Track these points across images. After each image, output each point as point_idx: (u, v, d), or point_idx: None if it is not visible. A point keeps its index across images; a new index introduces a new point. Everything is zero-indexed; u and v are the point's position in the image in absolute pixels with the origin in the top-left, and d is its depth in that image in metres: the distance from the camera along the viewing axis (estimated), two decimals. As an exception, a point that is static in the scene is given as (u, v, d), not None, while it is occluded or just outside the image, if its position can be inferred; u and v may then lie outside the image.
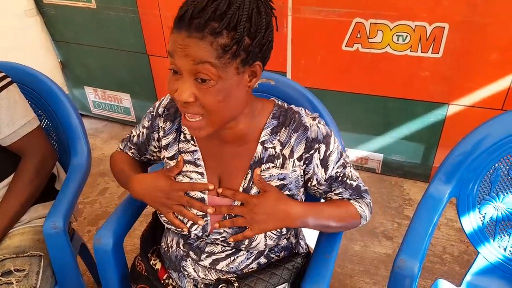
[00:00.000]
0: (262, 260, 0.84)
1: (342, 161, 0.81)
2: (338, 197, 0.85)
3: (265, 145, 0.78)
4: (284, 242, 0.87)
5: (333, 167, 0.79)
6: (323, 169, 0.78)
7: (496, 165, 0.94)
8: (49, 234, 0.96)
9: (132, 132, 0.94)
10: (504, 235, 0.97)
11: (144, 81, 2.36)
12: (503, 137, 0.92)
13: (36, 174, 1.03)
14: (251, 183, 0.78)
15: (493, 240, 0.98)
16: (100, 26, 2.25)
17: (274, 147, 0.77)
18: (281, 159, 0.77)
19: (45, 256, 0.99)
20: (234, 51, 0.63)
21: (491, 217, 0.97)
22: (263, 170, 0.78)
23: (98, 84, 2.54)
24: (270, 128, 0.78)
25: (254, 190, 0.78)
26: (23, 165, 1.02)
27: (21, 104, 1.02)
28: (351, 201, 0.86)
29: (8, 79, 1.01)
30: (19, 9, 2.25)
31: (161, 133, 0.85)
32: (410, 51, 1.69)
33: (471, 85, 1.69)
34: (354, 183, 0.84)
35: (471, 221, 0.98)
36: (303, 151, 0.77)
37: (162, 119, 0.85)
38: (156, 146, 0.89)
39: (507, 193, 0.95)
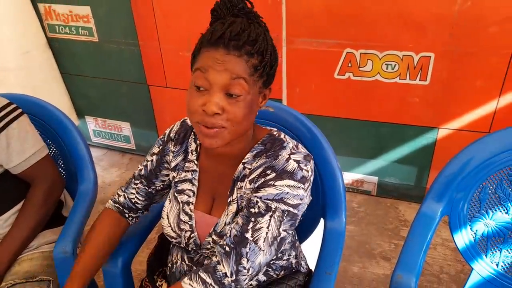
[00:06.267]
0: (262, 277, 0.87)
1: (273, 205, 0.75)
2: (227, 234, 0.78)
3: (245, 165, 0.82)
4: (283, 262, 0.90)
5: (260, 197, 0.76)
6: (251, 185, 0.78)
7: (484, 183, 0.98)
8: (59, 258, 0.99)
9: (135, 172, 0.95)
10: (496, 251, 1.01)
11: (144, 110, 2.41)
12: (488, 157, 0.97)
13: (45, 200, 1.06)
14: (231, 198, 0.82)
15: (485, 255, 1.02)
16: (102, 59, 2.33)
17: (250, 169, 0.81)
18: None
19: (54, 281, 1.02)
20: (261, 72, 0.72)
21: (482, 234, 1.01)
22: (238, 188, 0.81)
23: (99, 113, 2.60)
24: (255, 152, 0.82)
25: (231, 207, 0.81)
26: (32, 192, 1.06)
27: (31, 134, 1.07)
28: (184, 280, 0.75)
29: (19, 110, 1.06)
30: (40, 41, 2.34)
31: (170, 156, 0.91)
32: (399, 79, 1.78)
33: (458, 110, 1.76)
34: (250, 239, 0.74)
35: (463, 238, 1.02)
36: (257, 174, 0.78)
37: (173, 143, 0.91)
38: (168, 170, 0.93)
39: (495, 210, 0.99)
